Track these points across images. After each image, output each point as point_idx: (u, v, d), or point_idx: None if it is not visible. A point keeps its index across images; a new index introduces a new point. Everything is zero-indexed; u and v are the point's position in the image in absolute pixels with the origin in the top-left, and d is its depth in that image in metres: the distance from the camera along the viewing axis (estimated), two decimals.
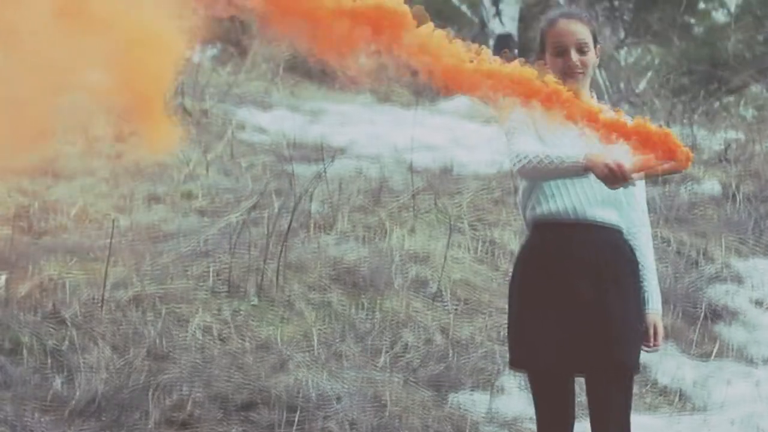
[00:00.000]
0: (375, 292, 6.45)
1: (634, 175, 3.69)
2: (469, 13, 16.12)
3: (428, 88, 3.31)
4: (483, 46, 3.33)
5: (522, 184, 4.11)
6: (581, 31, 4.03)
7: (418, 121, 9.09)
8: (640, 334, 4.04)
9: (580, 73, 4.01)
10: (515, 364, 4.15)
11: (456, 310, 6.46)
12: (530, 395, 4.27)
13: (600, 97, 4.58)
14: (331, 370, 5.69)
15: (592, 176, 3.79)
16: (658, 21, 15.05)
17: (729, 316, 6.77)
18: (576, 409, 4.10)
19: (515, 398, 5.70)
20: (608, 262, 3.97)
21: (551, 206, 3.99)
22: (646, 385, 6.01)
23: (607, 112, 3.69)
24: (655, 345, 4.08)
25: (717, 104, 13.40)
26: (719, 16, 15.82)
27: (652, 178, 4.03)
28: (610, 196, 3.95)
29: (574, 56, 4.00)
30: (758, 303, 6.95)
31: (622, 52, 16.03)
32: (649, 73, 15.21)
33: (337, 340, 6.00)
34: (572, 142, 3.74)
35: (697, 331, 6.57)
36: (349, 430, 5.22)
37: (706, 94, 12.57)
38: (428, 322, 6.28)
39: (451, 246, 6.98)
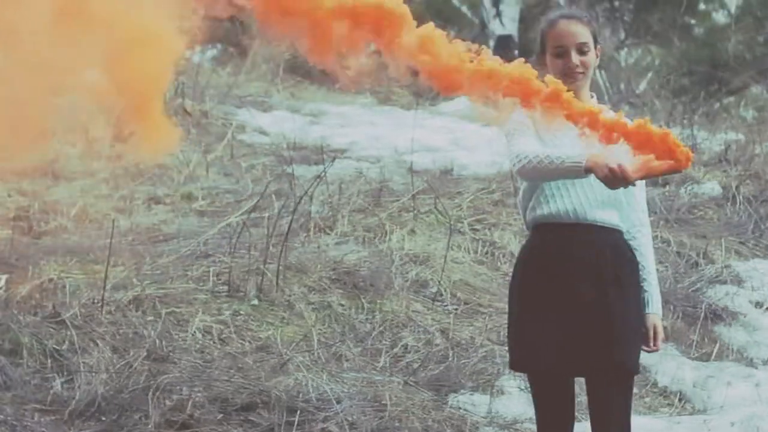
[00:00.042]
0: (375, 293, 6.45)
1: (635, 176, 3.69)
2: (469, 14, 16.13)
3: (428, 89, 3.30)
4: (483, 46, 3.33)
5: (522, 186, 4.11)
6: (581, 32, 4.03)
7: (419, 122, 9.09)
8: (641, 336, 4.04)
9: (581, 73, 4.01)
10: (515, 365, 4.14)
11: (456, 311, 6.46)
12: (530, 396, 4.27)
13: (600, 98, 4.58)
14: (331, 371, 5.68)
15: (592, 177, 3.78)
16: (659, 22, 15.05)
17: (729, 318, 6.77)
18: (576, 410, 4.10)
19: (515, 399, 5.69)
20: (609, 263, 3.97)
21: (551, 207, 3.99)
22: (646, 386, 6.01)
23: (607, 113, 3.69)
24: (655, 346, 4.08)
25: (717, 105, 13.39)
26: (719, 17, 15.82)
27: (653, 178, 4.02)
28: (611, 197, 3.95)
29: (575, 57, 3.99)
30: (758, 304, 6.95)
31: (623, 53, 16.03)
32: (650, 74, 15.21)
33: (337, 342, 6.00)
34: (572, 143, 3.74)
35: (697, 332, 6.56)
36: (348, 431, 5.21)
37: (706, 95, 12.57)
38: (428, 323, 6.28)
39: (451, 247, 6.98)
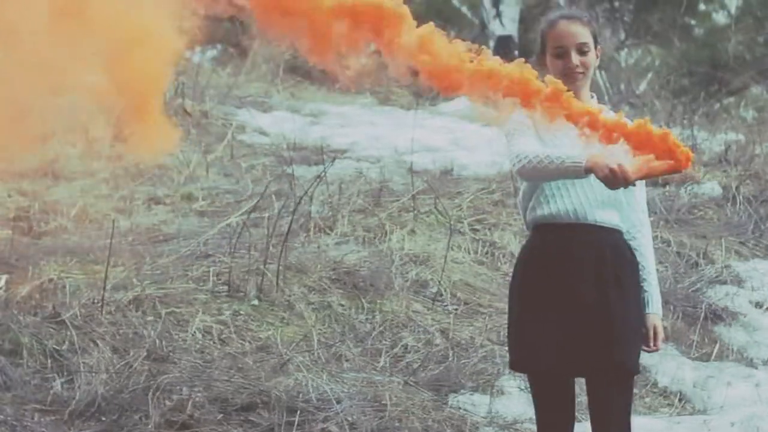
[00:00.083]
0: (375, 293, 6.45)
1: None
2: (469, 15, 16.13)
3: (429, 89, 3.30)
4: (483, 47, 3.33)
5: (522, 186, 4.11)
6: (582, 33, 4.03)
7: (419, 122, 9.09)
8: (641, 336, 4.04)
9: (581, 74, 4.01)
10: (515, 365, 4.14)
11: (456, 311, 6.46)
12: (530, 397, 4.27)
13: (600, 99, 4.58)
14: (331, 371, 5.68)
15: (592, 177, 3.78)
16: (659, 22, 15.06)
17: (729, 318, 6.77)
18: (576, 410, 4.10)
19: (515, 400, 5.69)
20: (609, 264, 3.96)
21: (552, 208, 3.99)
22: (646, 386, 6.01)
23: (607, 113, 3.69)
24: (655, 347, 4.08)
25: (717, 106, 13.40)
26: (720, 18, 15.83)
27: (653, 179, 4.02)
28: (611, 197, 3.95)
29: (575, 58, 3.99)
30: (758, 305, 6.95)
31: (623, 53, 16.03)
32: (650, 75, 15.22)
33: (337, 342, 6.00)
34: (572, 143, 3.74)
35: (697, 332, 6.56)
36: (349, 431, 5.21)
37: (706, 96, 12.57)
38: (428, 323, 6.28)
39: (451, 247, 6.98)
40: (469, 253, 7.14)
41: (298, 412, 5.25)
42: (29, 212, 7.30)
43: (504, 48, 13.15)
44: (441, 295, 6.56)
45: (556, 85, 3.42)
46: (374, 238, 7.15)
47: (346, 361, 5.86)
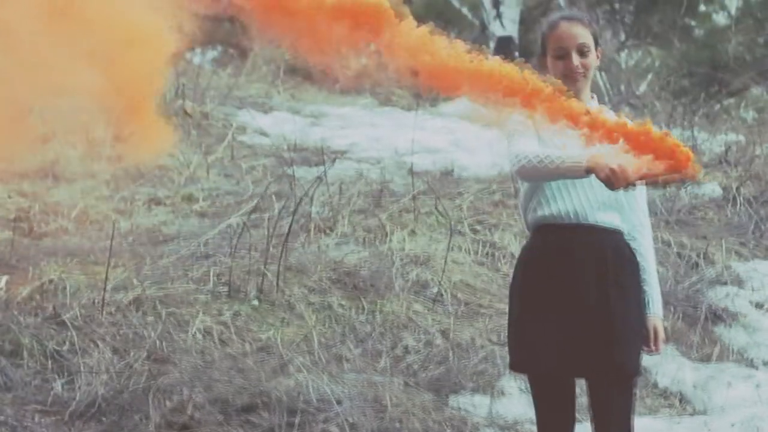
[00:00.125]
0: (375, 294, 6.45)
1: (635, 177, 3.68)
2: (470, 16, 16.15)
3: (429, 90, 3.29)
4: (483, 47, 3.33)
5: (523, 187, 4.11)
6: (582, 34, 4.03)
7: (419, 123, 9.10)
8: (641, 337, 4.04)
9: (582, 75, 4.01)
10: (516, 366, 4.14)
11: (456, 312, 6.46)
12: (531, 398, 4.26)
13: (601, 100, 4.58)
14: (331, 372, 5.68)
15: (593, 178, 3.78)
16: (659, 23, 15.07)
17: (729, 319, 6.77)
18: (577, 411, 4.10)
19: (516, 401, 5.69)
20: (609, 265, 3.96)
21: (552, 209, 3.99)
22: (647, 387, 6.01)
23: (607, 114, 3.69)
24: (655, 348, 4.08)
25: (717, 107, 13.41)
26: (720, 19, 15.84)
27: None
28: (611, 198, 3.95)
29: (575, 59, 4.00)
30: (759, 305, 6.95)
31: (623, 54, 16.05)
32: (650, 76, 15.23)
33: (338, 343, 6.00)
34: (572, 144, 3.73)
35: (697, 333, 6.56)
36: None
37: (706, 97, 12.58)
38: (428, 324, 6.28)
39: (452, 248, 6.98)
40: (470, 253, 7.14)
41: (299, 413, 5.26)
42: (30, 213, 7.30)
43: (504, 49, 13.16)
44: (441, 295, 6.57)
45: (557, 86, 3.42)
46: (374, 238, 7.15)
47: (347, 361, 5.86)
